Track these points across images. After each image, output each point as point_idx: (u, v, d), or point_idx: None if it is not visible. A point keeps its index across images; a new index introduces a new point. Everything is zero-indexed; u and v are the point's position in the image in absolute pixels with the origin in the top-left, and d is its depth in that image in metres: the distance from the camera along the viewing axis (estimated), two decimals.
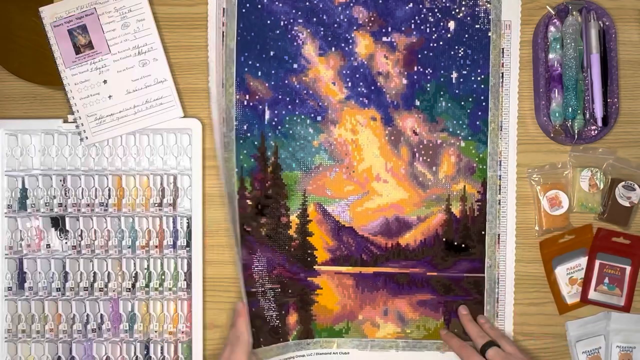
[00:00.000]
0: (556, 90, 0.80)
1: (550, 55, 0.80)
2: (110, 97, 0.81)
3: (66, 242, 0.83)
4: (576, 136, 0.80)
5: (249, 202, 0.79)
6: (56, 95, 0.84)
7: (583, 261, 0.82)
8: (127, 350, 0.81)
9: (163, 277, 0.82)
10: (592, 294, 0.81)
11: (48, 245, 0.83)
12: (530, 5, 0.83)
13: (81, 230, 0.82)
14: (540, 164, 0.82)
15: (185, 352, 0.81)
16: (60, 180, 0.82)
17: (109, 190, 0.82)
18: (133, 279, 0.82)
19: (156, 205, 0.82)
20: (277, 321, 0.79)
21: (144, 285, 0.82)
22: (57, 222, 0.83)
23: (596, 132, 0.81)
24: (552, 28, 0.80)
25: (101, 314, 0.82)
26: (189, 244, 0.81)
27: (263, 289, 0.78)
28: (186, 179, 0.83)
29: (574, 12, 0.80)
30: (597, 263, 0.81)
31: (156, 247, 0.82)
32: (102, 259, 0.82)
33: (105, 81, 0.81)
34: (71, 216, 0.82)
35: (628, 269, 0.81)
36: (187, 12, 0.83)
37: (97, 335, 0.82)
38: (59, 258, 0.82)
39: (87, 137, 0.81)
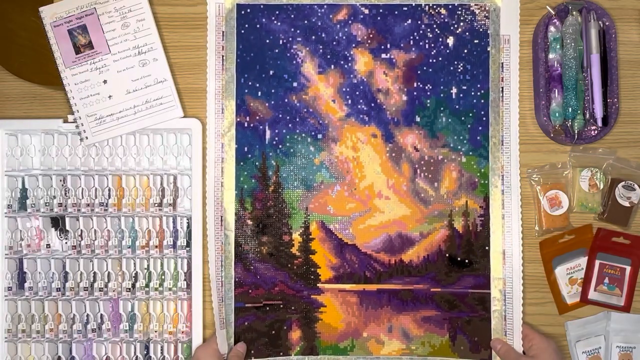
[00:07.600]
0: (556, 90, 0.80)
1: (550, 55, 0.80)
2: (110, 97, 0.81)
3: (66, 242, 0.83)
4: (576, 136, 0.80)
5: (249, 221, 0.79)
6: (56, 95, 0.84)
7: (583, 261, 0.82)
8: (127, 350, 0.81)
9: (163, 277, 0.82)
10: (592, 294, 0.81)
11: (48, 245, 0.83)
12: (530, 5, 0.83)
13: (81, 230, 0.82)
14: (540, 164, 0.82)
15: (185, 352, 0.81)
16: (60, 180, 0.82)
17: (109, 190, 0.82)
18: (133, 279, 0.82)
19: (156, 205, 0.82)
20: (276, 335, 0.80)
21: (144, 285, 0.82)
22: (57, 222, 0.83)
23: (596, 132, 0.81)
24: (552, 28, 0.80)
25: (101, 314, 0.82)
26: (189, 244, 0.81)
27: (260, 304, 0.79)
28: (186, 179, 0.83)
29: (574, 12, 0.80)
30: (597, 263, 0.81)
31: (156, 247, 0.82)
32: (102, 259, 0.82)
33: (105, 81, 0.81)
34: (71, 216, 0.82)
35: (628, 269, 0.81)
36: (187, 12, 0.83)
37: (97, 335, 0.82)
38: (59, 258, 0.82)
39: (87, 137, 0.81)
